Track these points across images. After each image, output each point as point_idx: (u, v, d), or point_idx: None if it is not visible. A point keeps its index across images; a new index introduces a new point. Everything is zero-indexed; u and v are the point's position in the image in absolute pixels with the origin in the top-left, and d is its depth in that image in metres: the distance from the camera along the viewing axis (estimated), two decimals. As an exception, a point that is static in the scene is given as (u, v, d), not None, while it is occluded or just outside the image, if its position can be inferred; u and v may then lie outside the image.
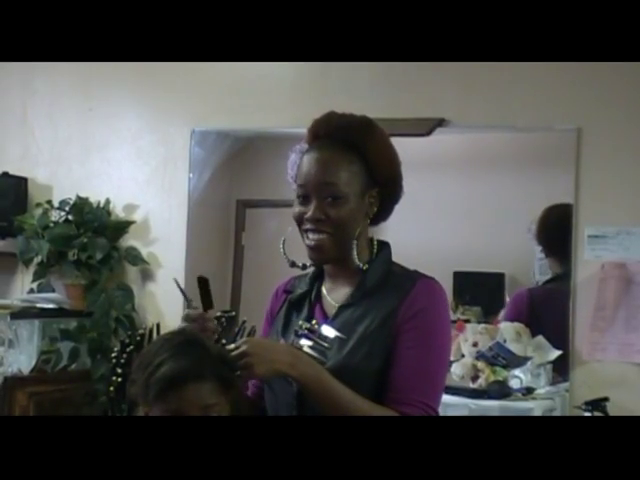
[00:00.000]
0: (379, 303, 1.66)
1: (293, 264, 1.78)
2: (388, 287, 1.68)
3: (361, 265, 1.70)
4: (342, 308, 1.70)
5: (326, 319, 1.70)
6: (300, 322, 1.68)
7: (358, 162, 1.68)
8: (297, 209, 1.71)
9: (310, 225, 1.67)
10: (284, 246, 1.76)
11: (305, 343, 1.59)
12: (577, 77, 3.10)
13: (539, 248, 3.34)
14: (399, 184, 1.75)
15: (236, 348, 1.55)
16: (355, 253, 1.69)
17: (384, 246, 1.77)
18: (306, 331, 1.61)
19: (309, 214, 1.67)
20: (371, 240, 1.76)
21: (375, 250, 1.74)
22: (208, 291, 1.70)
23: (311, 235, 1.68)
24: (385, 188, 1.72)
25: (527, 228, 3.27)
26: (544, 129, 3.18)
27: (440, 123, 3.24)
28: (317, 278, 1.79)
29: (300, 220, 1.70)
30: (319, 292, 1.77)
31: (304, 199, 1.69)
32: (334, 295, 1.74)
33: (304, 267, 1.79)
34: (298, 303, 1.78)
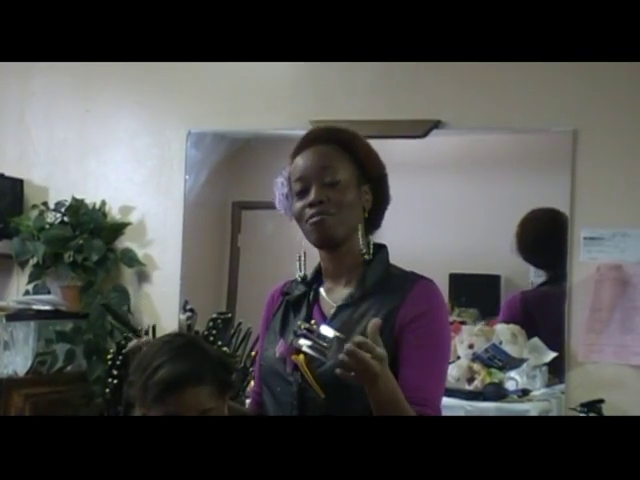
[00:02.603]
0: (378, 303, 1.67)
1: (304, 278, 1.81)
2: (387, 288, 1.69)
3: (364, 250, 1.72)
4: (341, 308, 1.71)
5: (325, 319, 1.71)
6: (299, 322, 1.67)
7: (350, 158, 1.74)
8: (298, 205, 1.72)
9: (313, 210, 1.69)
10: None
11: (304, 343, 1.59)
12: (573, 79, 3.10)
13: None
14: (386, 186, 1.80)
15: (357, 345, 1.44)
16: (359, 235, 1.71)
17: (381, 248, 1.79)
18: (305, 331, 1.60)
19: (311, 198, 1.69)
20: (368, 242, 1.76)
21: (372, 251, 1.75)
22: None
23: (314, 219, 1.69)
24: (375, 187, 1.77)
25: (509, 248, 3.25)
26: (540, 131, 3.19)
27: (436, 125, 3.24)
28: (315, 280, 1.80)
29: (302, 214, 1.71)
30: (317, 293, 1.78)
31: (303, 193, 1.71)
32: (333, 296, 1.75)
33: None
34: (296, 304, 1.79)
